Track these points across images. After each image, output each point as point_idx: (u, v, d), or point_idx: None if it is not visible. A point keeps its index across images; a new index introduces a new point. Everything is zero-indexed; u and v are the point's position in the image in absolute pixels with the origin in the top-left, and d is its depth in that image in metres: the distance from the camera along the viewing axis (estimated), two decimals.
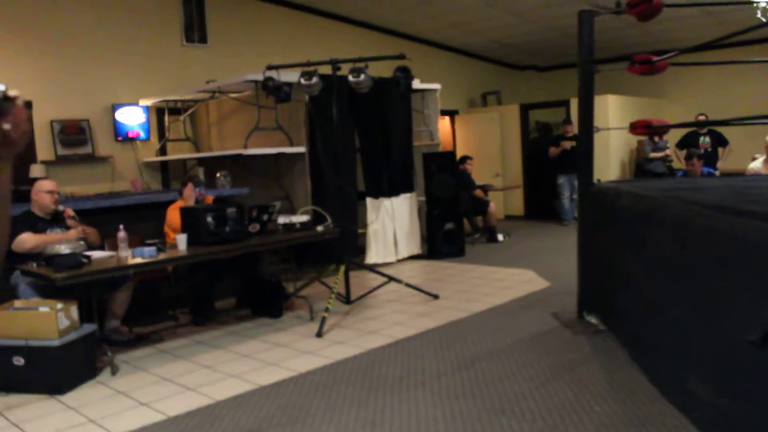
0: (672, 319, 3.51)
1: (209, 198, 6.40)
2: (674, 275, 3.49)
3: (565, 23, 11.00)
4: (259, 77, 6.68)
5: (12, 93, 1.09)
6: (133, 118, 8.41)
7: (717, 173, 8.15)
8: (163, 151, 8.80)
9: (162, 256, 4.96)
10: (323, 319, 5.43)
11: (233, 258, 5.77)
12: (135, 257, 4.83)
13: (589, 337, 4.86)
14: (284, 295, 6.18)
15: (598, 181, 5.31)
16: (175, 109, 8.94)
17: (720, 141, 10.67)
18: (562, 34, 11.65)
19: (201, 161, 8.53)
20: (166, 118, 8.85)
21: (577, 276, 5.40)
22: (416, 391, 3.98)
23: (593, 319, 5.19)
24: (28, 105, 7.42)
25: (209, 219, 5.35)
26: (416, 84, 7.74)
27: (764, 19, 8.23)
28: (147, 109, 8.54)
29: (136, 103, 8.41)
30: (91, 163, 8.03)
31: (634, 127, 4.79)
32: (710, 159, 10.13)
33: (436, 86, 9.20)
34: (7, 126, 1.07)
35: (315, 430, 3.50)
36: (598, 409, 3.53)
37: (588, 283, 5.27)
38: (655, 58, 4.65)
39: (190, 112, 9.05)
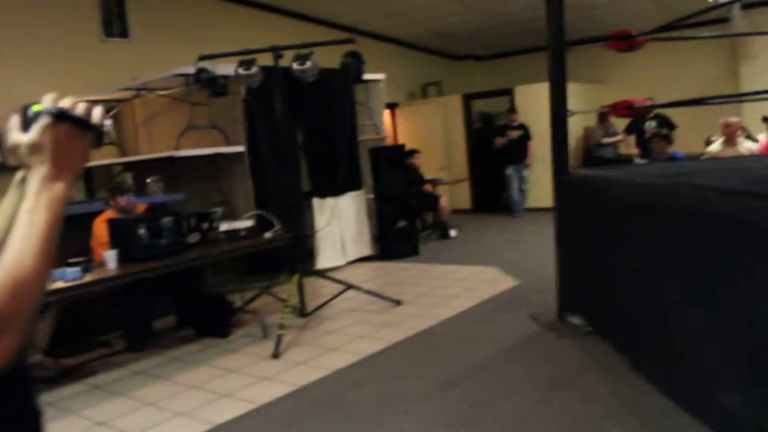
0: (690, 321, 3.07)
1: (140, 206, 5.68)
2: (691, 272, 3.05)
3: (507, 10, 10.66)
4: (191, 70, 6.01)
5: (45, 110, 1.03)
6: None
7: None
8: None
9: (88, 278, 4.26)
10: (279, 337, 4.82)
11: (171, 272, 5.11)
12: (55, 281, 4.11)
13: (577, 341, 4.41)
14: (231, 311, 5.55)
15: (574, 169, 4.88)
16: None
17: (667, 125, 10.46)
18: (504, 22, 11.30)
19: (128, 166, 7.74)
20: None
21: (555, 274, 4.96)
22: (399, 420, 3.43)
23: (577, 320, 4.76)
24: None
25: (142, 231, 4.68)
26: None
27: (712, 1, 8.02)
28: None
29: None
30: (2, 174, 7.15)
31: (615, 108, 4.38)
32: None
33: (380, 76, 8.66)
34: (23, 138, 1.03)
35: None
36: (617, 431, 3.06)
37: (569, 281, 4.83)
38: (634, 33, 4.24)
39: (113, 113, 8.24)
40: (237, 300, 5.78)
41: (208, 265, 5.66)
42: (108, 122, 1.09)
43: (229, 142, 6.93)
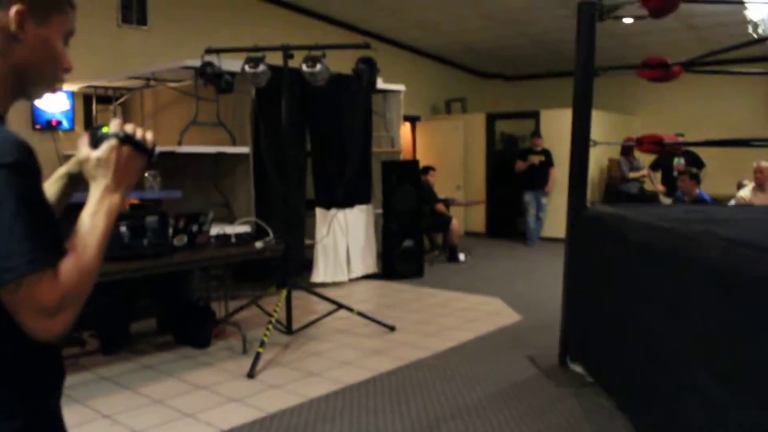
0: (707, 393, 2.69)
1: (130, 201, 5.40)
2: (713, 336, 2.68)
3: (540, 30, 10.35)
4: (197, 64, 5.73)
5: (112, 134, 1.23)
6: (54, 104, 7.36)
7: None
8: None
9: None
10: (257, 355, 4.49)
11: (154, 274, 4.81)
12: None
13: (576, 392, 4.04)
14: (213, 321, 5.23)
15: (592, 204, 4.52)
16: (105, 97, 7.89)
17: (696, 163, 10.02)
18: (534, 41, 10.97)
19: None
20: (94, 106, 7.80)
21: (561, 313, 4.59)
22: None
23: (578, 368, 4.39)
24: None
25: (122, 229, 4.37)
26: (378, 83, 6.86)
27: (756, 36, 7.63)
28: (72, 94, 7.50)
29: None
30: None
31: (642, 143, 4.00)
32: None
33: (400, 87, 8.35)
34: (96, 154, 1.22)
35: None
36: None
37: (573, 325, 4.45)
38: (670, 62, 3.87)
39: (121, 100, 8.01)
40: (222, 308, 5.46)
41: (195, 270, 5.36)
42: (158, 149, 1.27)
43: (234, 142, 6.64)
